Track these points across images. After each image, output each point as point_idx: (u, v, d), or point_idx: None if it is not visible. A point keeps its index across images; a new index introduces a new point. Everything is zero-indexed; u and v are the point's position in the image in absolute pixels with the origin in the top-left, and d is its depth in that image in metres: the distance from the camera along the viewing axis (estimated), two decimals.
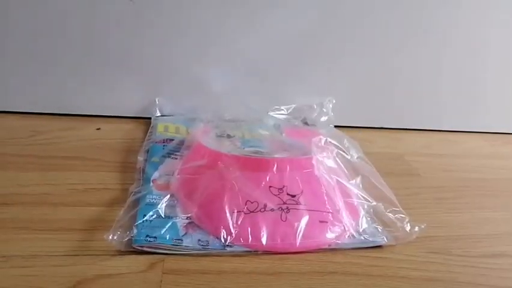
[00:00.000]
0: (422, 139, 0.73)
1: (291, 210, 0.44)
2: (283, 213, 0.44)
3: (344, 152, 0.53)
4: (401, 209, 0.48)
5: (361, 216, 0.47)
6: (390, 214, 0.47)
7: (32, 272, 0.36)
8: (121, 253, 0.40)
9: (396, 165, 0.63)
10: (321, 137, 0.51)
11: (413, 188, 0.57)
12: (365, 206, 0.48)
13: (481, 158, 0.69)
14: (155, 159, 0.54)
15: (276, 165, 0.46)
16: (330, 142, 0.51)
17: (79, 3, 0.59)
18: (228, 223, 0.42)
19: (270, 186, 0.45)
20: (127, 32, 0.62)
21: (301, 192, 0.46)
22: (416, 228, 0.45)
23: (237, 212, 0.43)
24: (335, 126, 0.70)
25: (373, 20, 0.66)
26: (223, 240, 0.41)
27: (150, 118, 0.66)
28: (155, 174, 0.51)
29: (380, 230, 0.46)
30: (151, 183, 0.49)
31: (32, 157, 0.54)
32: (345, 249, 0.44)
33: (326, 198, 0.46)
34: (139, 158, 0.54)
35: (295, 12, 0.64)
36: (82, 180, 0.50)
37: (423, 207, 0.53)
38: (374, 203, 0.48)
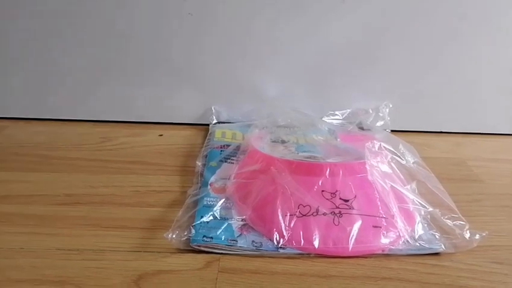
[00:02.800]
0: (486, 143, 0.69)
1: (343, 214, 0.44)
2: (335, 218, 0.44)
3: (399, 157, 0.52)
4: (460, 215, 0.46)
5: (417, 222, 0.46)
6: (448, 220, 0.45)
7: (101, 265, 0.40)
8: (180, 251, 0.42)
9: (457, 171, 0.60)
10: (375, 141, 0.50)
11: (474, 195, 0.55)
12: (422, 212, 0.47)
13: None
14: (213, 163, 0.57)
15: (328, 170, 0.47)
16: (384, 147, 0.51)
17: (144, 18, 0.63)
18: (281, 226, 0.43)
19: (323, 191, 0.46)
20: (187, 43, 0.66)
21: (355, 197, 0.46)
22: (477, 236, 0.43)
23: (290, 215, 0.44)
24: (393, 131, 0.69)
25: (431, 20, 0.64)
26: (275, 243, 0.42)
27: (209, 125, 0.69)
28: (213, 178, 0.53)
29: (437, 236, 0.45)
30: (209, 187, 0.51)
31: (101, 161, 0.59)
32: (399, 255, 0.43)
33: (379, 203, 0.45)
34: (197, 162, 0.57)
35: (351, 17, 0.64)
36: (144, 182, 0.54)
37: (486, 215, 0.51)
38: (431, 209, 0.46)
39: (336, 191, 0.46)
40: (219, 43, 0.66)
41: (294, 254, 0.42)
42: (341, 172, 0.47)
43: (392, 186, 0.47)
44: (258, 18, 0.64)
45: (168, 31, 0.65)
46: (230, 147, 0.59)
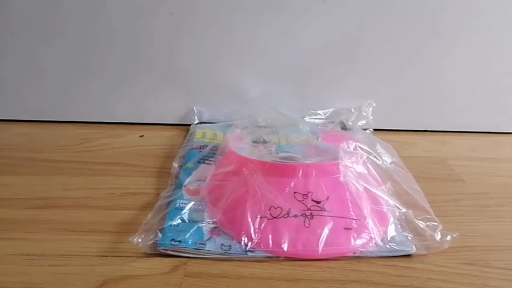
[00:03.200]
0: (469, 142, 0.68)
1: (315, 216, 0.44)
2: (306, 220, 0.44)
3: (375, 157, 0.51)
4: (433, 216, 0.46)
5: (390, 224, 0.45)
6: (420, 222, 0.45)
7: (66, 270, 0.40)
8: (148, 255, 0.42)
9: (438, 170, 0.60)
10: (350, 142, 0.50)
11: (453, 194, 0.54)
12: (396, 214, 0.47)
13: None
14: (190, 165, 0.56)
15: (301, 171, 0.46)
16: (360, 147, 0.50)
17: (122, 19, 0.63)
18: (250, 228, 0.43)
19: (295, 192, 0.45)
20: (168, 43, 0.65)
21: (327, 198, 0.45)
22: (448, 237, 0.43)
23: (260, 217, 0.44)
24: (376, 130, 0.68)
25: (413, 19, 0.64)
26: (244, 246, 0.42)
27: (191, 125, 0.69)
28: (188, 180, 0.52)
29: (410, 238, 0.44)
30: (183, 189, 0.51)
31: (79, 163, 0.59)
32: (371, 257, 0.43)
33: (350, 204, 0.44)
34: (173, 164, 0.56)
35: (332, 16, 0.63)
36: (120, 184, 0.54)
37: (463, 215, 0.50)
38: (404, 210, 0.46)
39: (309, 192, 0.45)
40: (200, 43, 0.65)
41: (263, 257, 0.42)
42: (313, 173, 0.46)
43: (365, 187, 0.46)
44: (240, 19, 0.64)
45: (149, 31, 0.64)
46: (207, 148, 0.59)
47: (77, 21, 0.63)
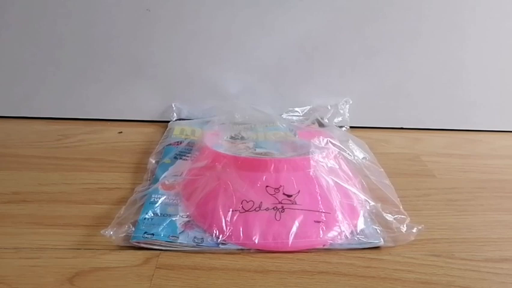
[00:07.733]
0: (443, 139, 0.70)
1: (286, 209, 0.45)
2: (277, 213, 0.45)
3: (347, 152, 0.52)
4: (401, 209, 0.47)
5: (360, 217, 0.46)
6: (388, 215, 0.46)
7: (37, 263, 0.40)
8: (120, 248, 0.42)
9: (411, 166, 0.61)
10: (322, 137, 0.51)
11: (424, 189, 0.55)
12: (366, 207, 0.48)
13: (505, 158, 0.65)
14: (167, 160, 0.57)
15: (273, 166, 0.47)
16: (331, 142, 0.51)
17: (99, 15, 0.63)
18: (221, 221, 0.43)
19: (267, 186, 0.46)
20: (145, 40, 0.65)
21: (298, 192, 0.46)
22: (414, 229, 0.44)
23: (232, 211, 0.44)
24: (352, 127, 0.69)
25: (389, 18, 0.65)
26: (215, 238, 0.43)
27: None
28: (164, 175, 0.53)
29: (379, 231, 0.45)
30: (159, 183, 0.51)
31: (56, 159, 0.59)
32: (340, 249, 0.44)
33: (319, 198, 0.45)
34: (150, 159, 0.57)
35: (309, 13, 0.64)
36: (96, 180, 0.54)
37: (432, 209, 0.51)
38: (373, 204, 0.47)
39: (280, 186, 0.46)
40: (179, 40, 0.66)
41: (235, 249, 0.43)
42: (285, 167, 0.47)
43: (335, 181, 0.47)
44: (218, 15, 0.64)
45: (127, 27, 0.65)
46: (182, 143, 0.59)
47: (54, 15, 0.63)
